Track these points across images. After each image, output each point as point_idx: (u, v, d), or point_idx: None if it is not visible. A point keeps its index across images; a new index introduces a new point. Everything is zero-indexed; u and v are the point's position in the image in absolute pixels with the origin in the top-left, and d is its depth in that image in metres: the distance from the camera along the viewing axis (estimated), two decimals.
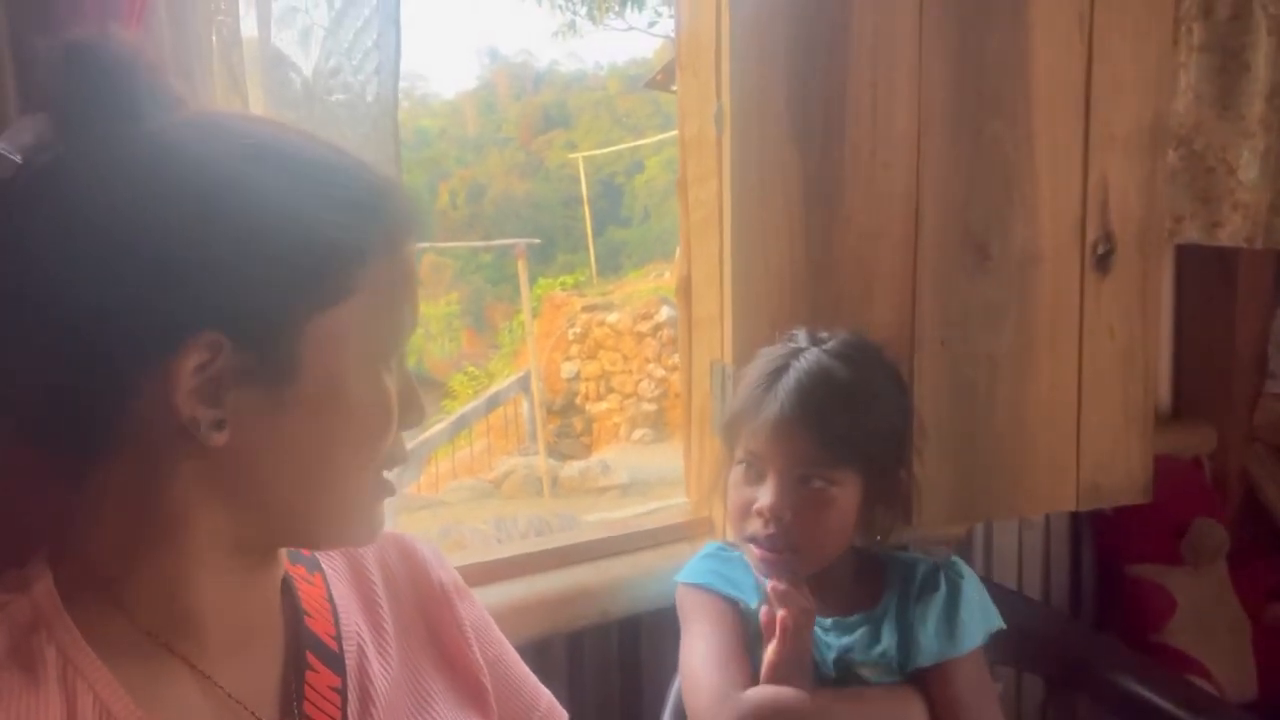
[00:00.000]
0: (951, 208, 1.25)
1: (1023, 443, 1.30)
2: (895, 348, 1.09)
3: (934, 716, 0.91)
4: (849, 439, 0.88)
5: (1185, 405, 1.72)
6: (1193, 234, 1.57)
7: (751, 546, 0.90)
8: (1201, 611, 1.56)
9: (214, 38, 0.82)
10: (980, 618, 0.94)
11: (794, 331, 0.98)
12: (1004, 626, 0.96)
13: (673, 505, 1.44)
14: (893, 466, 0.93)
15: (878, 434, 0.91)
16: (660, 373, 7.49)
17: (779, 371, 0.91)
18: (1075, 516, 1.60)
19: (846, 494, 0.89)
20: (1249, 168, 1.52)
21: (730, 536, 1.00)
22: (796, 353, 0.93)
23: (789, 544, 0.88)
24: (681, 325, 1.31)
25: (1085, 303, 1.32)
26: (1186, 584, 1.57)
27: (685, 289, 1.29)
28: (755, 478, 0.90)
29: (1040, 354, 1.31)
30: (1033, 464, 1.31)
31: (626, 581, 1.19)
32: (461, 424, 6.85)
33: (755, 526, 0.89)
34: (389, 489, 0.56)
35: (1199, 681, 1.41)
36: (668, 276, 8.90)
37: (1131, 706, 1.20)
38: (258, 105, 0.85)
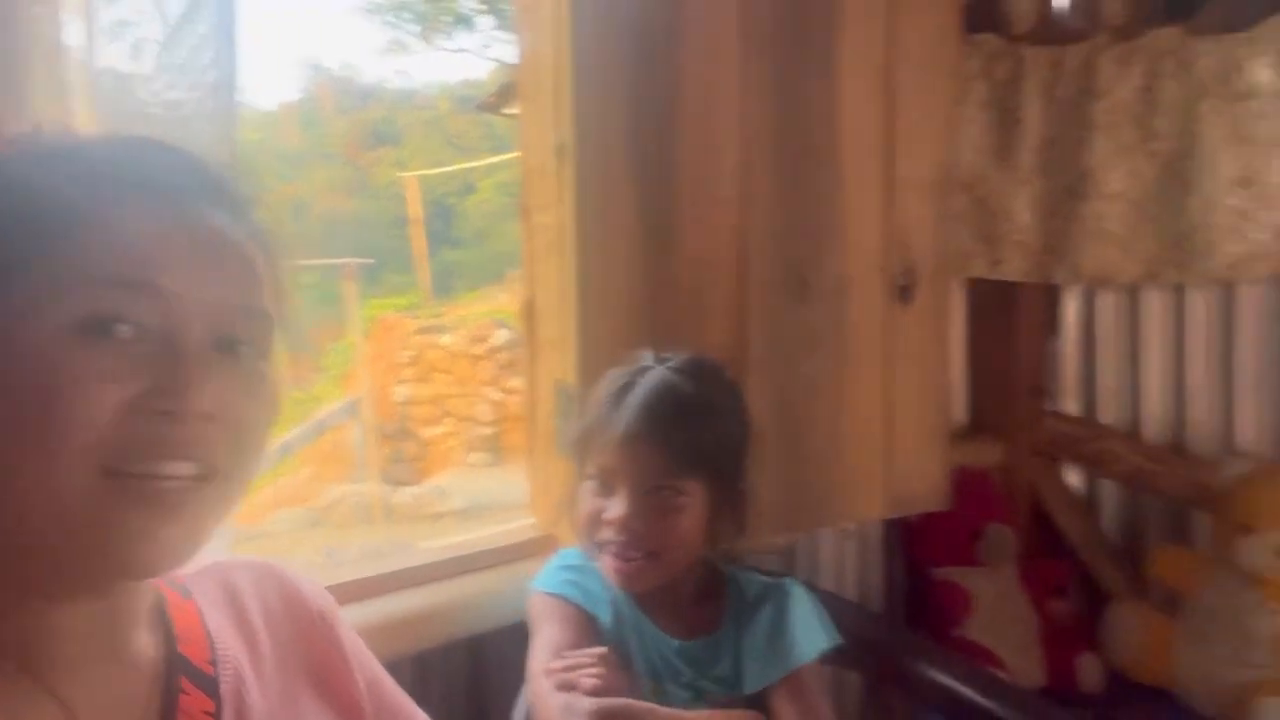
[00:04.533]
0: (775, 240, 1.35)
1: (839, 458, 1.42)
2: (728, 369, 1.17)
3: None
4: (695, 450, 0.94)
5: (977, 422, 1.91)
6: (979, 270, 1.76)
7: (605, 557, 0.94)
8: (995, 608, 1.74)
9: (35, 48, 0.79)
10: (808, 638, 0.98)
11: (639, 353, 1.01)
12: (838, 643, 0.98)
13: (514, 527, 1.46)
14: (735, 477, 0.99)
15: (721, 446, 0.97)
16: (497, 396, 7.44)
17: (626, 389, 0.95)
18: (887, 525, 1.74)
19: (694, 503, 0.95)
20: (1024, 212, 1.73)
21: (582, 548, 1.02)
22: (642, 371, 0.97)
23: (643, 551, 0.92)
24: (525, 348, 1.34)
25: (890, 330, 1.46)
26: (982, 583, 1.74)
27: (529, 312, 1.33)
28: (606, 491, 0.94)
29: (852, 376, 1.43)
30: (847, 477, 1.43)
31: (472, 601, 1.21)
32: (285, 451, 6.55)
33: (607, 535, 0.93)
34: (141, 491, 0.45)
35: (995, 672, 1.56)
36: (503, 299, 8.86)
37: (939, 696, 1.32)
38: (86, 118, 0.82)
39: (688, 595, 1.00)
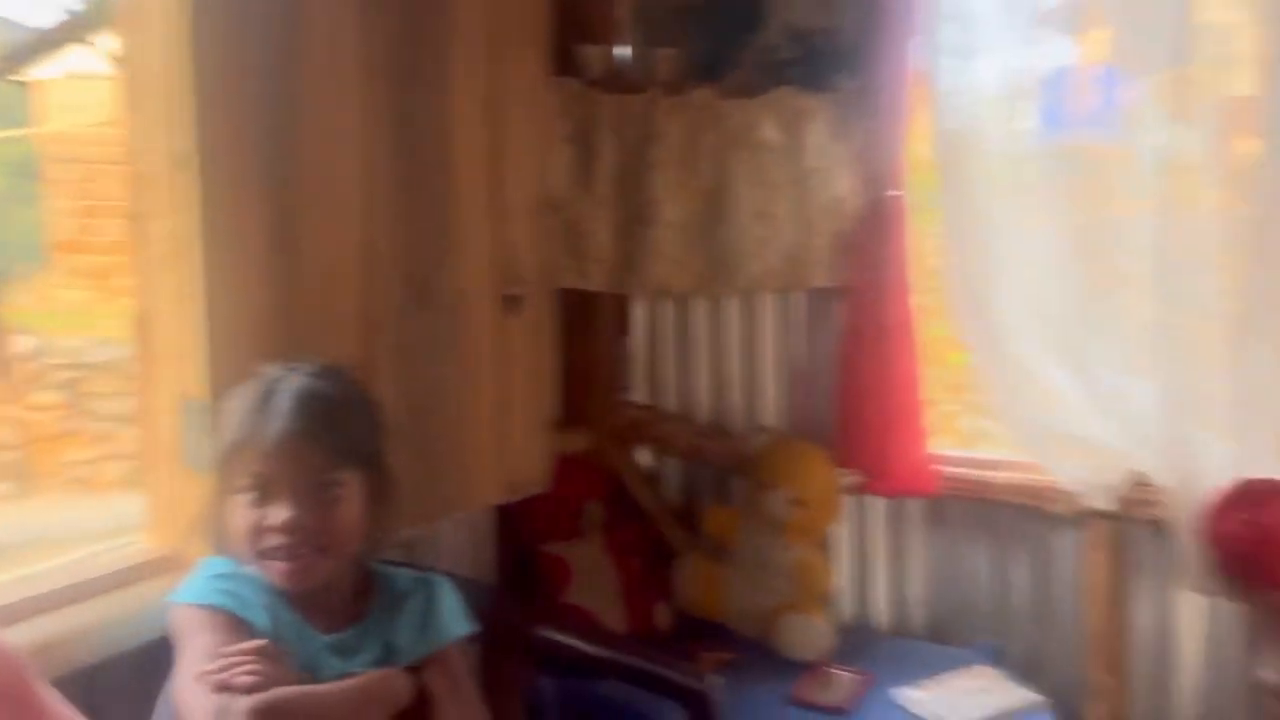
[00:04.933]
0: (398, 254, 1.46)
1: (460, 452, 1.57)
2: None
3: (418, 709, 1.04)
4: (347, 444, 1.01)
5: (568, 414, 2.17)
6: (568, 281, 2.01)
7: (271, 563, 0.98)
8: (589, 573, 2.00)
9: None
10: (456, 621, 1.10)
11: (269, 365, 1.05)
12: (476, 629, 1.12)
13: (125, 550, 1.38)
14: (383, 469, 1.07)
15: (367, 440, 1.05)
16: (21, 414, 6.32)
17: (268, 396, 0.99)
18: (498, 510, 1.92)
19: (353, 494, 1.02)
20: (603, 233, 2.02)
21: (230, 558, 1.03)
22: (279, 379, 1.02)
23: (314, 547, 0.98)
24: (140, 362, 1.30)
25: (501, 336, 1.65)
26: (580, 553, 2.00)
27: (144, 324, 1.29)
28: (264, 499, 0.98)
29: (470, 378, 1.59)
30: (468, 468, 1.59)
31: (82, 632, 1.15)
32: None
33: (273, 541, 0.97)
34: None
35: (592, 621, 1.82)
36: (23, 300, 7.52)
37: (549, 649, 1.52)
38: None
39: (341, 593, 1.07)
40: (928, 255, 2.01)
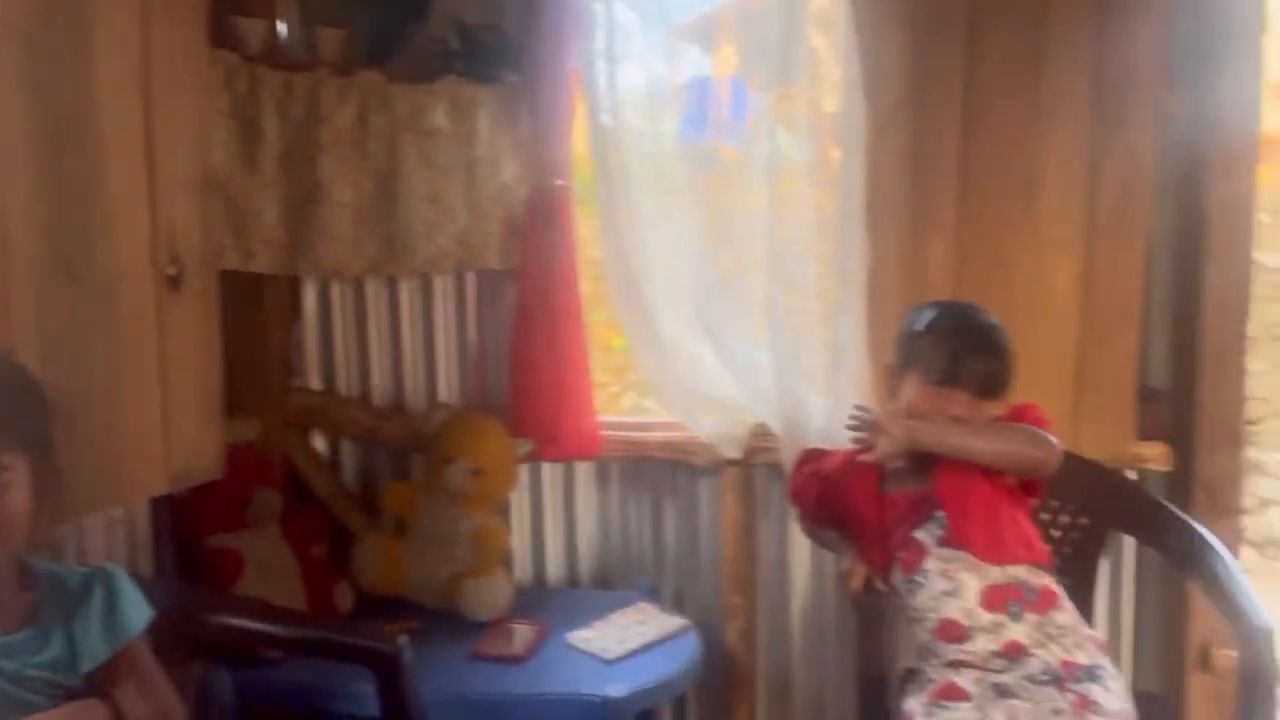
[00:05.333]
0: (40, 230, 1.35)
1: (119, 440, 1.49)
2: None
3: (116, 707, 1.04)
4: (9, 426, 0.97)
5: (238, 400, 2.09)
6: (233, 262, 1.95)
7: None
8: (263, 563, 1.96)
9: None
10: (137, 610, 1.09)
11: None
12: (155, 613, 1.11)
13: None
14: (49, 454, 1.03)
15: (31, 423, 1.01)
16: None
17: None
18: (154, 503, 1.82)
19: (20, 480, 0.98)
20: (270, 212, 1.98)
21: None
22: None
23: None
24: None
25: (163, 318, 1.57)
26: (252, 543, 1.94)
27: None
28: None
29: (129, 362, 1.51)
30: (129, 457, 1.51)
31: None
32: None
33: None
34: None
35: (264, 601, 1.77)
36: None
37: (222, 635, 1.49)
38: None
39: (7, 590, 1.02)
40: (589, 244, 2.21)
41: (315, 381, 2.24)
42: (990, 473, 1.49)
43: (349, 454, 2.28)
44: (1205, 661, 1.80)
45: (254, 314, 2.09)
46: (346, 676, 1.62)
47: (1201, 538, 1.60)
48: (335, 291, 2.23)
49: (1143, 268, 1.88)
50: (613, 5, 2.00)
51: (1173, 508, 1.69)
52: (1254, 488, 5.53)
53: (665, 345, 2.05)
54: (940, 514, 1.51)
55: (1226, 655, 1.74)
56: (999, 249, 1.88)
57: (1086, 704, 1.36)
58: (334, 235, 2.03)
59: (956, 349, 1.48)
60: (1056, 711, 1.35)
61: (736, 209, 2.05)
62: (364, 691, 1.48)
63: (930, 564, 1.50)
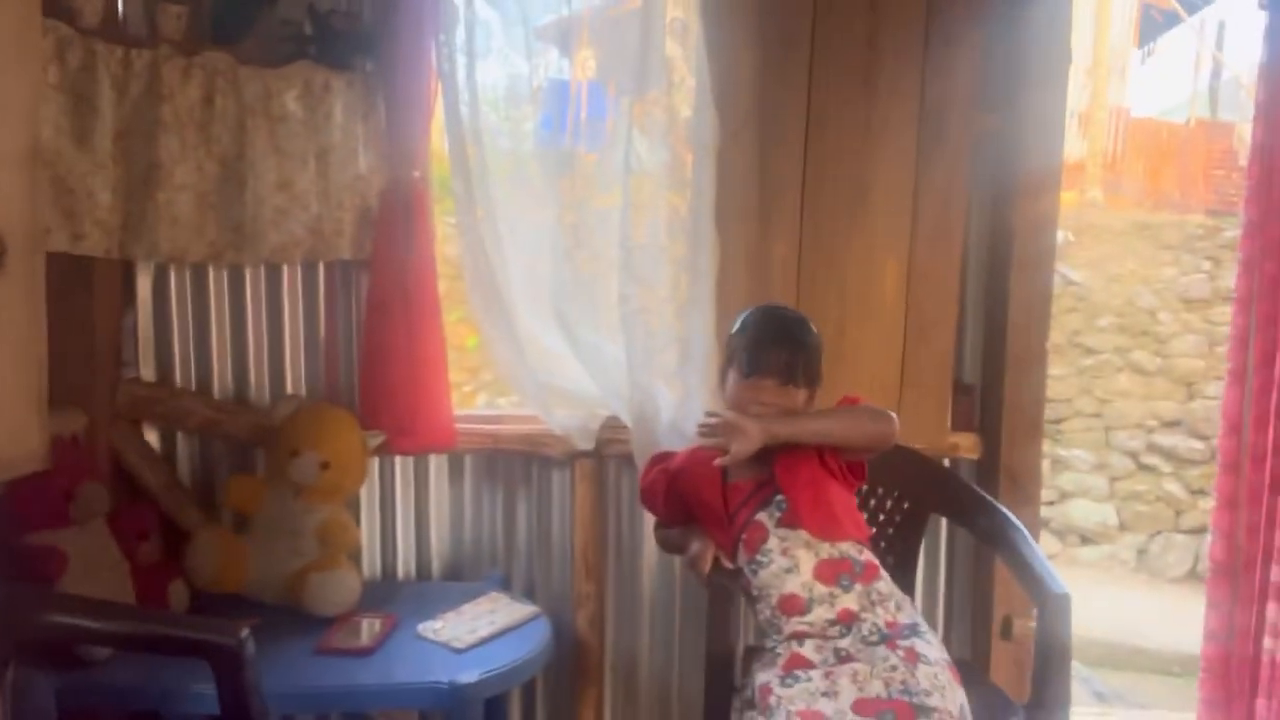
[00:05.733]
0: None
1: None
2: None
3: None
4: None
5: (60, 391, 1.97)
6: (60, 244, 1.84)
7: None
8: (89, 560, 1.85)
9: None
10: None
11: None
12: None
13: None
14: None
15: None
16: None
17: None
18: None
19: None
20: (104, 193, 1.88)
21: None
22: None
23: None
24: None
25: None
26: (77, 541, 1.83)
27: None
28: None
29: None
30: None
31: None
32: None
33: None
34: None
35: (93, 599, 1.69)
36: None
37: (55, 637, 1.42)
38: None
39: None
40: (446, 241, 2.21)
41: (149, 372, 2.14)
42: (823, 459, 1.61)
43: (185, 448, 2.19)
44: (1007, 631, 1.99)
45: (83, 300, 1.98)
46: (181, 674, 1.57)
47: (1005, 517, 1.78)
48: (173, 278, 2.13)
49: (959, 274, 2.07)
50: (474, 2, 2.01)
51: (981, 491, 1.87)
52: (1058, 481, 6.08)
53: (521, 339, 2.08)
54: (779, 497, 1.63)
55: (1025, 625, 1.93)
56: (835, 251, 2.02)
57: (914, 656, 1.52)
58: (174, 219, 1.96)
59: (759, 343, 1.63)
60: (891, 666, 1.50)
61: (593, 208, 2.10)
62: (200, 690, 1.44)
63: (771, 543, 1.61)
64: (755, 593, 1.64)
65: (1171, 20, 10.39)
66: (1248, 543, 2.06)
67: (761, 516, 1.63)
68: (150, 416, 2.14)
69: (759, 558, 1.62)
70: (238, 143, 1.98)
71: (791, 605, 1.59)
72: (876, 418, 1.62)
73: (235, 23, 2.03)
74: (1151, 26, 10.60)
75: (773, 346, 1.63)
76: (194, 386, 2.16)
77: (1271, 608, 2.03)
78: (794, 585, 1.59)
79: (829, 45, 1.99)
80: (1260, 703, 2.07)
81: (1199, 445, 5.90)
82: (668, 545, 1.86)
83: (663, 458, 1.84)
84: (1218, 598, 2.12)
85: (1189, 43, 10.22)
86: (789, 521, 1.61)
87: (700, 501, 1.70)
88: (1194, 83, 10.27)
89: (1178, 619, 4.66)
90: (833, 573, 1.59)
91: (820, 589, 1.59)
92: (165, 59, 1.91)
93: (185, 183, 1.96)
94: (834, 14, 1.98)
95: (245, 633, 1.42)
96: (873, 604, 1.59)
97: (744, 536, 1.63)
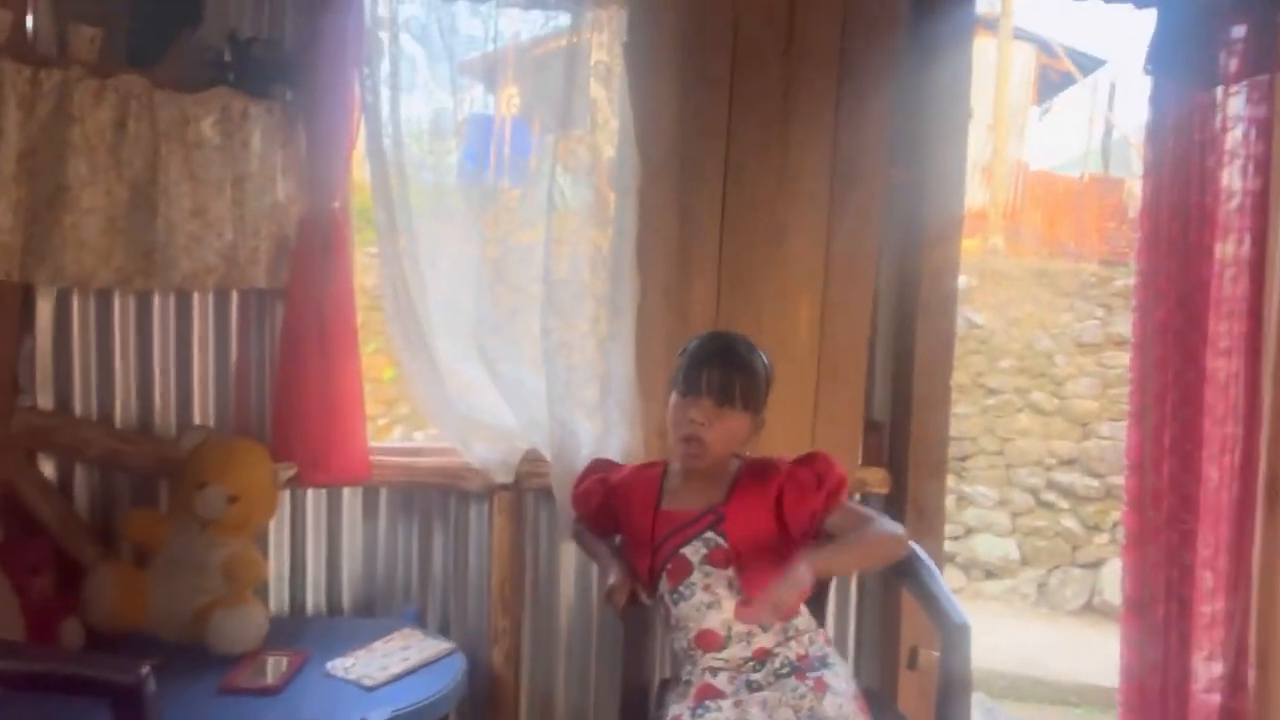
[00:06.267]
0: None
1: None
2: None
3: None
4: None
5: None
6: None
7: None
8: None
9: None
10: None
11: None
12: None
13: None
14: None
15: None
16: None
17: None
18: None
19: None
20: (6, 215, 1.82)
21: None
22: None
23: None
24: None
25: None
26: None
27: None
28: None
29: None
30: None
31: None
32: None
33: None
34: None
35: None
36: None
37: None
38: None
39: None
40: (365, 272, 2.19)
41: (46, 400, 2.06)
42: (781, 513, 1.62)
43: (84, 479, 2.11)
44: (913, 661, 2.05)
45: None
46: (75, 717, 1.50)
47: (913, 549, 1.83)
48: (76, 304, 2.06)
49: (870, 316, 2.15)
50: (399, 35, 2.03)
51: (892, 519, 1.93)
52: (963, 517, 6.28)
53: (441, 371, 2.07)
54: (709, 534, 1.63)
55: (930, 655, 1.99)
56: (752, 290, 2.08)
57: (822, 686, 1.55)
58: (80, 243, 1.90)
59: (699, 362, 1.62)
60: (800, 695, 1.53)
61: (515, 243, 2.12)
62: None
63: (695, 577, 1.63)
64: (674, 622, 1.65)
65: (1067, 81, 11.04)
66: (1151, 578, 2.16)
67: (688, 551, 1.64)
68: (47, 446, 2.06)
69: (681, 589, 1.63)
70: (150, 167, 1.94)
71: (709, 641, 1.61)
72: (897, 544, 1.63)
73: (152, 47, 2.00)
74: (1049, 86, 11.24)
75: (709, 367, 1.61)
76: (95, 416, 2.09)
77: (1174, 639, 2.13)
78: (713, 622, 1.61)
79: (747, 95, 2.07)
80: None
81: (1094, 483, 6.17)
82: (582, 546, 1.87)
83: (603, 466, 1.85)
84: (1131, 633, 2.19)
85: (1083, 102, 10.87)
86: (717, 560, 1.62)
87: (629, 523, 1.71)
88: (1088, 140, 10.91)
89: (1075, 651, 4.85)
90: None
91: (739, 628, 1.61)
92: (77, 80, 1.87)
93: (93, 206, 1.91)
94: (751, 65, 2.06)
95: (145, 670, 1.36)
96: (788, 639, 1.62)
97: (669, 566, 1.64)
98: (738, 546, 1.60)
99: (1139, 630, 2.19)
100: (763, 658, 1.60)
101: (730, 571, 1.60)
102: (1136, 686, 2.20)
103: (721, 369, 1.61)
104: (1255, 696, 2.17)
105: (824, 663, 1.61)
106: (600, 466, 1.86)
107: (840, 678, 1.60)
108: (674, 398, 1.65)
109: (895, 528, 1.65)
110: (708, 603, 1.61)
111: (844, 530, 1.61)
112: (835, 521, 1.62)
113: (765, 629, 1.61)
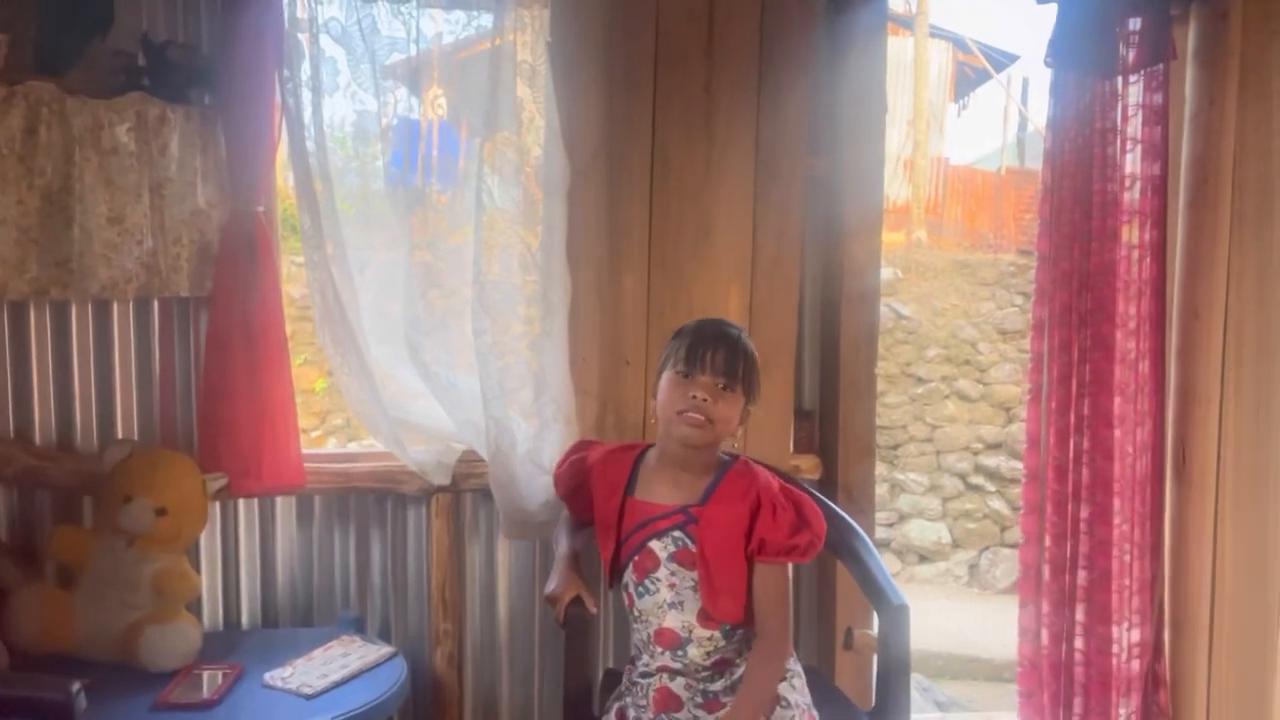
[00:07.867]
0: None
1: None
2: None
3: None
4: None
5: None
6: None
7: None
8: None
9: None
10: None
11: None
12: None
13: None
14: None
15: None
16: None
17: None
18: None
19: None
20: None
21: None
22: None
23: None
24: None
25: None
26: None
27: None
28: None
29: None
30: None
31: None
32: None
33: None
34: None
35: None
36: None
37: None
38: None
39: None
40: (290, 281, 2.15)
41: None
42: (746, 536, 1.58)
43: (3, 499, 2.04)
44: (849, 641, 2.10)
45: None
46: None
47: (849, 525, 1.90)
48: None
49: (797, 308, 2.20)
50: (319, 36, 2.01)
51: (832, 504, 1.98)
52: (896, 504, 6.44)
53: (374, 375, 2.06)
54: (678, 533, 1.61)
55: (865, 635, 2.05)
56: (681, 285, 2.12)
57: (779, 699, 1.58)
58: None
59: (700, 343, 1.57)
60: None
61: (445, 246, 2.12)
62: None
63: (661, 574, 1.62)
64: (635, 613, 1.65)
65: (983, 77, 11.39)
66: (1054, 548, 2.25)
67: (656, 545, 1.61)
68: None
69: (646, 583, 1.62)
70: (64, 175, 1.89)
71: (669, 639, 1.61)
72: (780, 660, 1.60)
73: (62, 52, 1.95)
74: (965, 82, 11.58)
75: (714, 346, 1.56)
76: (12, 433, 2.02)
77: (1080, 609, 2.23)
78: (674, 621, 1.60)
79: (670, 90, 2.10)
80: (1076, 700, 2.26)
81: (1018, 465, 6.40)
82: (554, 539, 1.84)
83: (584, 446, 1.83)
84: (1028, 597, 2.30)
85: (998, 97, 11.23)
86: (684, 561, 1.60)
87: (599, 504, 1.68)
88: (1004, 134, 11.27)
89: (1007, 628, 5.01)
90: (717, 620, 1.59)
91: (700, 631, 1.59)
92: None
93: (4, 217, 1.85)
94: (673, 61, 2.10)
95: (76, 687, 1.34)
96: (748, 648, 1.61)
97: (635, 558, 1.63)
98: (705, 552, 1.57)
99: (1034, 594, 2.29)
100: (723, 669, 1.61)
101: (696, 574, 1.58)
102: (1033, 648, 2.29)
103: (726, 350, 1.56)
104: (1171, 659, 2.29)
105: (783, 676, 1.61)
106: (581, 446, 1.84)
107: (795, 690, 1.61)
108: (668, 378, 1.59)
109: (783, 643, 1.62)
110: (670, 601, 1.60)
111: (757, 598, 1.58)
112: (760, 577, 1.58)
113: (727, 636, 1.60)
